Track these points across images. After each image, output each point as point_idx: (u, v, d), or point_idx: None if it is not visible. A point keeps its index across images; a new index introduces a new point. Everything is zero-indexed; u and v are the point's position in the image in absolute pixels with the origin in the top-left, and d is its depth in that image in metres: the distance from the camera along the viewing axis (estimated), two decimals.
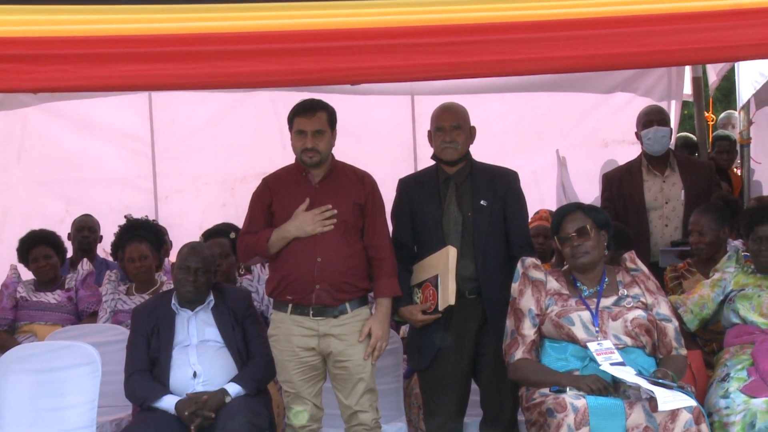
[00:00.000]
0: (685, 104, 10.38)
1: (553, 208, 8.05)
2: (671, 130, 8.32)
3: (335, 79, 6.27)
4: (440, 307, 6.25)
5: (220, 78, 5.68)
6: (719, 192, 8.07)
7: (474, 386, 6.51)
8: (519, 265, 6.14)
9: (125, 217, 8.42)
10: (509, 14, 5.55)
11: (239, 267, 7.95)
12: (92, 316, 8.08)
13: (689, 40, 5.60)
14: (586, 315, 5.91)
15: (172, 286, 6.71)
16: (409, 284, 6.44)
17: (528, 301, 6.03)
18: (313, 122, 6.16)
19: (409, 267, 6.46)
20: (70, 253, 8.92)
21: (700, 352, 6.64)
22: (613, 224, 6.32)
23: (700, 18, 5.57)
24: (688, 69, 9.64)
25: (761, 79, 8.50)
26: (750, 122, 9.19)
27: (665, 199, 7.94)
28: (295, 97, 6.47)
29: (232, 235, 7.77)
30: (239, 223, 6.80)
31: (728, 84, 12.19)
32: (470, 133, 6.50)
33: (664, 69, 9.56)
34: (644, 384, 5.52)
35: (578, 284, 6.07)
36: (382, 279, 6.26)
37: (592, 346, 5.78)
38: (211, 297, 6.55)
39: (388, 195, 6.53)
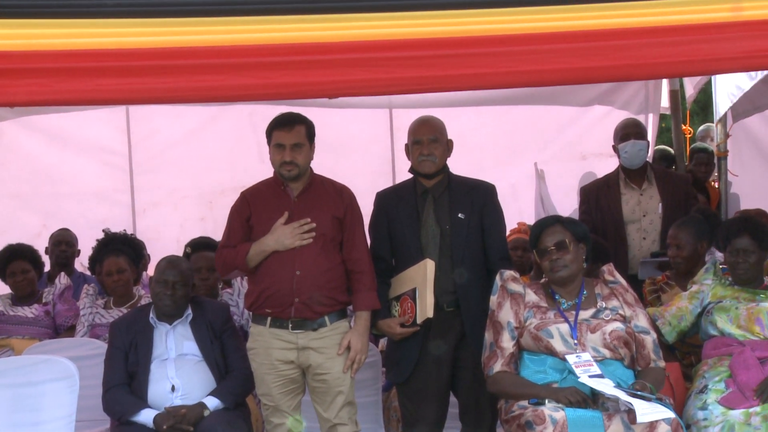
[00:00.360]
0: (662, 117, 10.41)
1: (532, 221, 8.06)
2: (648, 143, 8.34)
3: (313, 93, 6.26)
4: (418, 320, 6.25)
5: (197, 92, 5.66)
6: (698, 205, 8.09)
7: (453, 399, 6.51)
8: (498, 277, 6.14)
9: (103, 230, 8.40)
10: (487, 28, 5.54)
11: (219, 280, 7.94)
12: (70, 330, 8.06)
13: (666, 54, 5.61)
14: (564, 327, 5.91)
15: (150, 299, 6.69)
16: (387, 297, 6.45)
17: (507, 314, 6.03)
18: (291, 136, 6.17)
19: (387, 280, 6.47)
20: (47, 268, 8.90)
21: (678, 364, 6.65)
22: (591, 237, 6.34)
23: (677, 31, 5.57)
24: (665, 82, 9.69)
25: (738, 92, 8.55)
26: (727, 135, 9.24)
27: (643, 212, 7.96)
28: (273, 110, 6.47)
29: (188, 250, 7.84)
30: (218, 237, 6.79)
31: (705, 97, 12.26)
32: (447, 146, 6.51)
33: (641, 82, 9.61)
34: (623, 396, 5.53)
35: (557, 297, 6.08)
36: (361, 292, 6.26)
37: (571, 359, 5.79)
38: (189, 311, 6.55)
39: (367, 208, 6.54)
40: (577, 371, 5.74)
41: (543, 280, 6.26)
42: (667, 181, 8.07)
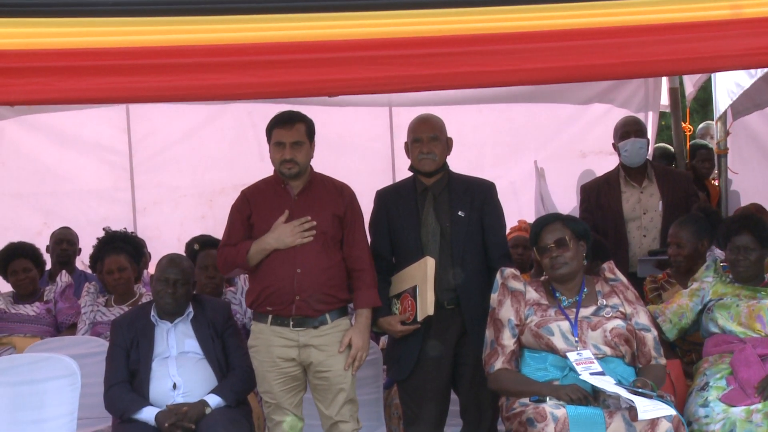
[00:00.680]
0: (662, 115, 10.41)
1: (532, 219, 8.06)
2: (648, 141, 8.35)
3: (313, 91, 6.25)
4: (419, 318, 6.25)
5: (197, 90, 5.66)
6: (699, 203, 8.09)
7: (454, 396, 6.52)
8: (498, 275, 6.14)
9: (104, 229, 8.40)
10: (487, 26, 5.54)
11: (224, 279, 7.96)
12: (71, 328, 8.06)
13: (666, 51, 5.60)
14: (565, 325, 5.92)
15: (151, 297, 6.69)
16: (387, 295, 6.45)
17: (507, 312, 6.03)
18: (291, 134, 6.17)
19: (387, 278, 6.47)
20: (48, 266, 8.91)
21: (679, 361, 6.65)
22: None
23: (676, 29, 5.57)
24: (665, 80, 9.68)
25: (738, 90, 8.54)
26: (727, 132, 9.23)
27: (643, 209, 7.96)
28: (273, 109, 6.48)
29: (197, 246, 7.83)
30: (218, 235, 6.79)
31: (705, 95, 12.24)
32: (447, 144, 6.51)
33: (641, 80, 9.59)
34: (624, 393, 5.53)
35: (557, 294, 6.08)
36: (362, 290, 6.26)
37: (572, 356, 5.79)
38: (191, 309, 6.56)
39: (367, 206, 6.54)
40: (578, 368, 5.74)
41: (543, 278, 6.27)
42: (667, 178, 8.07)
